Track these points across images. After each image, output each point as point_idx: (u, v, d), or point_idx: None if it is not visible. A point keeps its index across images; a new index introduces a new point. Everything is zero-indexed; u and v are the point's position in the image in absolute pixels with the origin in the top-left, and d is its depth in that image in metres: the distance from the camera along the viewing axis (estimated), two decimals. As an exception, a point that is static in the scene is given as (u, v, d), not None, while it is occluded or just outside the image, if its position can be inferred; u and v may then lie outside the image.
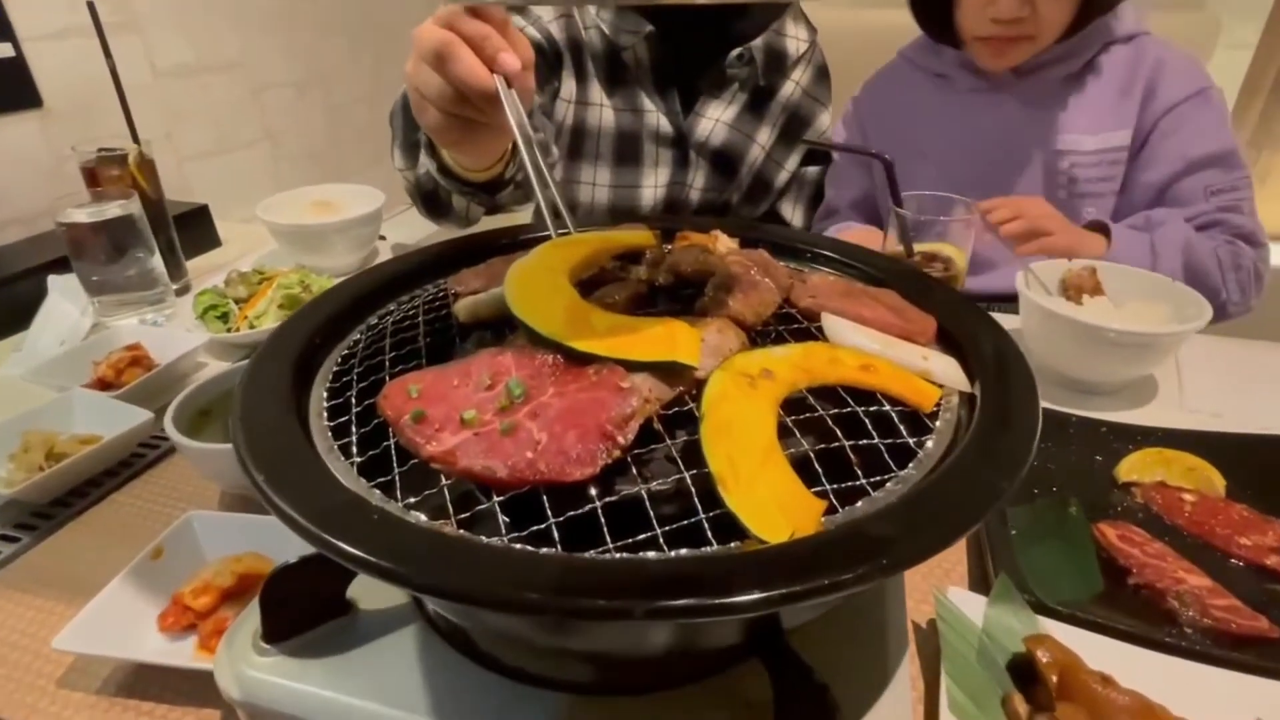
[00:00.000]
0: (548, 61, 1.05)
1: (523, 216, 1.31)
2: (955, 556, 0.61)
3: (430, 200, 0.93)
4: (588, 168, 1.11)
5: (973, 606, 0.52)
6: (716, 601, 0.24)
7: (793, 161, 1.17)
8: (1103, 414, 0.76)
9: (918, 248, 0.77)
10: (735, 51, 1.05)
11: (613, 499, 0.31)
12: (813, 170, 1.19)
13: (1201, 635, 0.51)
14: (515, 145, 0.70)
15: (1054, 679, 0.45)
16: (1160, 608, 0.53)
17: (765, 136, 1.13)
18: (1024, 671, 0.48)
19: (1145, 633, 0.51)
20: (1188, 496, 0.63)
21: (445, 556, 0.26)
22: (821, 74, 1.16)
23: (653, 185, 1.11)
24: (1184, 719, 0.43)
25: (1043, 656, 0.46)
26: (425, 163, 0.82)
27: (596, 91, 1.08)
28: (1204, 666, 0.49)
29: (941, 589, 0.54)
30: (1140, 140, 0.98)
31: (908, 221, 0.76)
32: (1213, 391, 0.82)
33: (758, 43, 1.06)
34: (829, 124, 1.17)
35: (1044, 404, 0.75)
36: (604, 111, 1.08)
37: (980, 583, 0.58)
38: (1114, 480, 0.67)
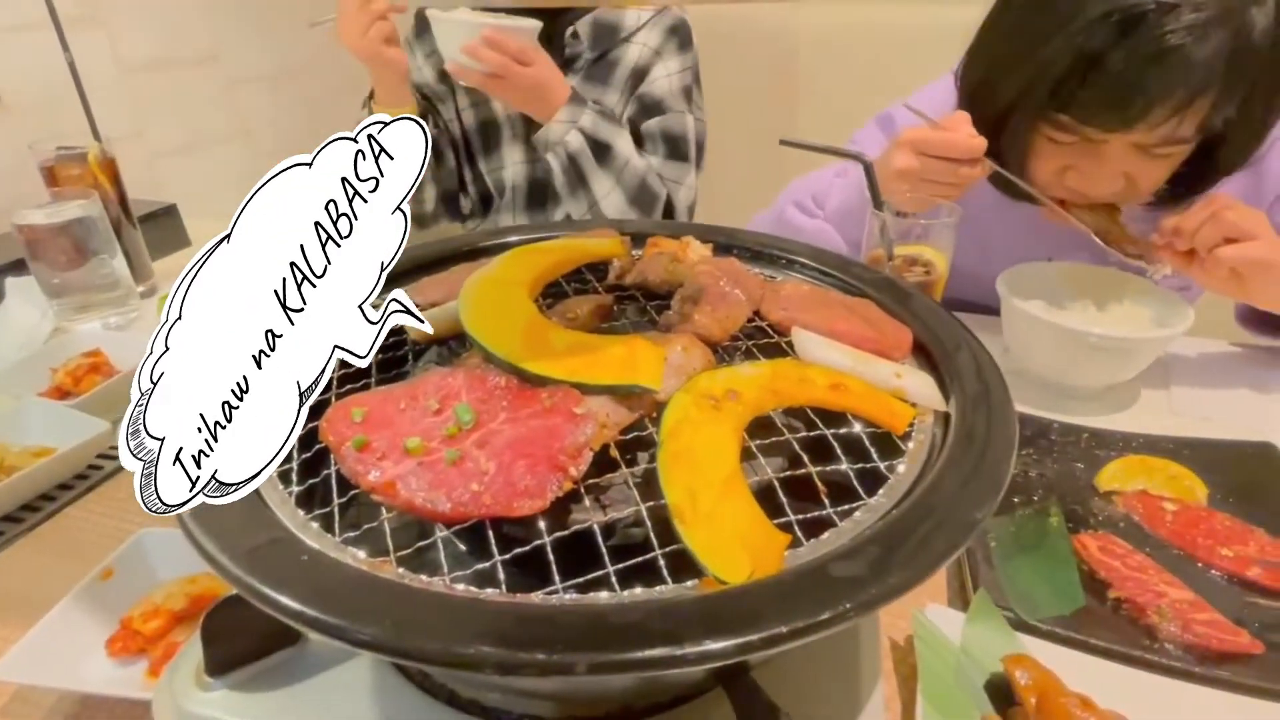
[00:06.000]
0: (430, 101, 1.25)
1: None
2: (934, 569, 0.60)
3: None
4: (483, 163, 1.30)
5: (951, 624, 0.51)
6: (664, 654, 0.22)
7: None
8: (1087, 419, 0.75)
9: (898, 250, 0.76)
10: (570, 30, 1.15)
11: (563, 534, 0.29)
12: (653, 122, 1.19)
13: (1183, 651, 0.50)
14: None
15: (1032, 701, 0.44)
16: (1141, 623, 0.52)
17: (614, 100, 1.18)
18: (1002, 692, 0.47)
19: (1126, 649, 0.50)
20: (1169, 505, 0.62)
21: (374, 605, 0.24)
22: (673, 31, 1.19)
23: (513, 164, 1.26)
24: (1163, 742, 0.42)
25: (1021, 678, 0.45)
26: None
27: (463, 97, 1.24)
28: (1185, 684, 0.48)
29: (919, 605, 0.52)
30: None
31: (888, 224, 0.75)
32: (1203, 396, 0.81)
33: (585, 19, 1.15)
34: (672, 71, 1.18)
35: (1027, 410, 0.75)
36: (465, 113, 1.25)
37: (959, 596, 0.57)
38: (1095, 489, 0.66)
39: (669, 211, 1.23)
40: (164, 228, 1.17)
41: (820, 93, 1.64)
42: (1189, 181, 0.80)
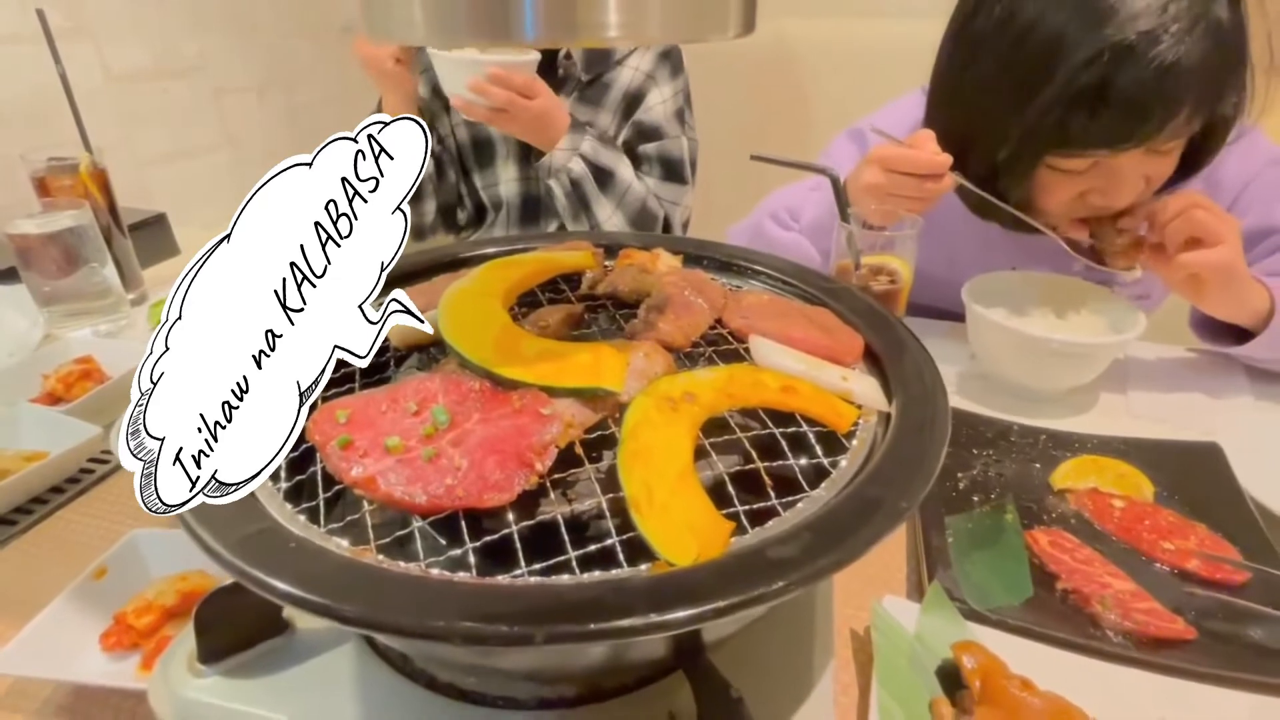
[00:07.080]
0: (425, 117, 1.26)
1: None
2: (895, 564, 0.63)
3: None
4: (478, 179, 1.33)
5: (907, 614, 0.54)
6: (614, 625, 0.25)
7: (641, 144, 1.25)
8: (1050, 422, 0.78)
9: (865, 260, 0.79)
10: (562, 51, 1.18)
11: (530, 523, 0.32)
12: (650, 146, 1.24)
13: (1122, 638, 0.53)
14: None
15: (977, 684, 0.47)
16: (1085, 612, 0.56)
17: (607, 121, 1.23)
18: (952, 676, 0.50)
19: (1069, 636, 0.53)
20: (1117, 502, 0.66)
21: (356, 586, 0.27)
22: (665, 56, 1.24)
23: (507, 180, 1.29)
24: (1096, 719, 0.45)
25: (967, 662, 0.48)
26: None
27: (456, 114, 1.25)
28: (1120, 667, 0.51)
29: (879, 597, 0.55)
30: None
31: (855, 235, 0.78)
32: (1158, 399, 0.85)
33: None
34: (666, 97, 1.23)
35: (992, 413, 0.79)
36: (458, 129, 1.28)
37: (918, 590, 0.60)
38: (1050, 487, 0.69)
39: (666, 230, 1.27)
40: (154, 236, 1.19)
41: (811, 108, 1.68)
42: (1185, 166, 0.82)
